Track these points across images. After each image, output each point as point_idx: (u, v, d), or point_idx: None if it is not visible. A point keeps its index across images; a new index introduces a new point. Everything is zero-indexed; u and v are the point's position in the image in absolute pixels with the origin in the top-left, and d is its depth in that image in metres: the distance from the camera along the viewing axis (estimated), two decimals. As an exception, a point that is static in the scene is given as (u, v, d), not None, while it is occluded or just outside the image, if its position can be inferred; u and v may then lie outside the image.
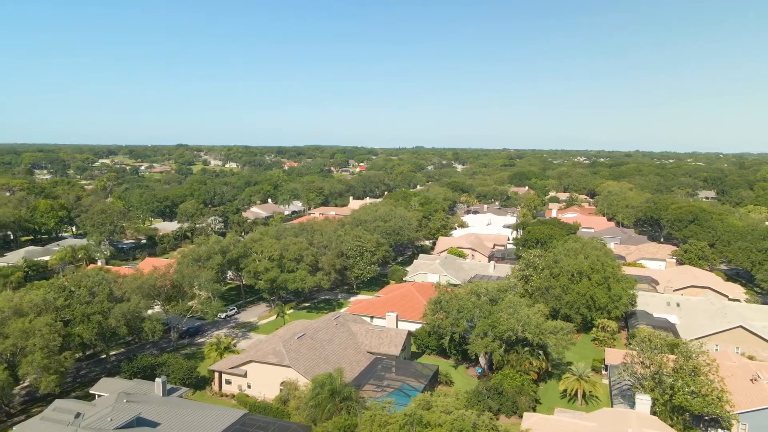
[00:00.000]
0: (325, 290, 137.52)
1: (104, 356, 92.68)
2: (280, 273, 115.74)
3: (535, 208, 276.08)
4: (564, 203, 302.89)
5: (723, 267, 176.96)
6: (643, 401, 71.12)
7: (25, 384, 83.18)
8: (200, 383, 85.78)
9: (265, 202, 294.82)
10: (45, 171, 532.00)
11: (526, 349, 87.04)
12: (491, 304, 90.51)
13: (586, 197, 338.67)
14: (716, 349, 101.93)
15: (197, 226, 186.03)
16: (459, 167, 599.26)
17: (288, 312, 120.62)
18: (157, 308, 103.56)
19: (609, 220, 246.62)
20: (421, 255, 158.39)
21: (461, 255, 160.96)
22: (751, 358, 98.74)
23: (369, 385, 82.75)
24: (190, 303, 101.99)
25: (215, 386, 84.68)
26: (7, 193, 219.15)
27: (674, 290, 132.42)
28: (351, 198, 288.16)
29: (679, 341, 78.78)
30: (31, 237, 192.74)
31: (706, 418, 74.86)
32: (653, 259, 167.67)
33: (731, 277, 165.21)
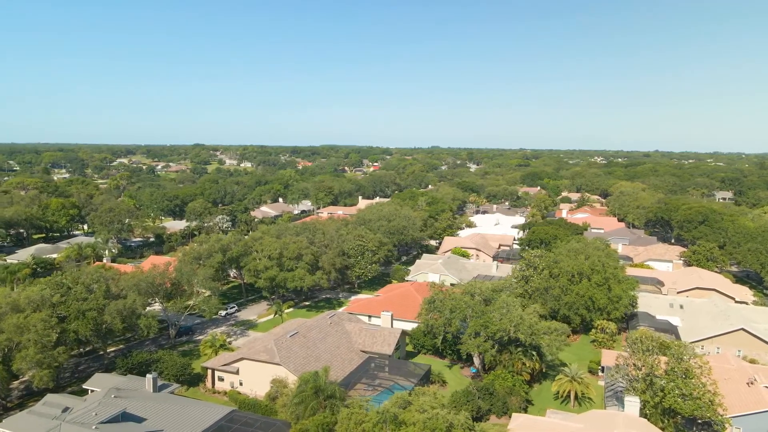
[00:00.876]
0: (326, 289, 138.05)
1: (102, 352, 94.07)
2: (279, 271, 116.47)
3: (545, 209, 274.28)
4: (575, 203, 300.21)
5: (734, 269, 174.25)
6: (632, 403, 70.29)
7: (24, 379, 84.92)
8: (194, 380, 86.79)
9: (275, 201, 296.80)
10: (63, 170, 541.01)
11: (519, 349, 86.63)
12: (485, 304, 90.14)
13: (598, 198, 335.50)
14: (717, 352, 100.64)
15: (205, 224, 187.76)
16: (473, 167, 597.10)
17: (288, 310, 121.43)
18: (157, 306, 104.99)
19: (620, 220, 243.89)
20: (424, 255, 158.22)
21: (465, 255, 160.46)
22: (753, 361, 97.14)
23: (360, 384, 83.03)
24: (188, 301, 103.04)
25: (208, 383, 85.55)
26: (22, 192, 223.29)
27: (678, 292, 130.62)
28: (360, 198, 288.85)
29: (671, 342, 77.70)
30: (44, 235, 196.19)
31: (699, 421, 73.85)
32: (661, 261, 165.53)
33: (741, 279, 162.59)
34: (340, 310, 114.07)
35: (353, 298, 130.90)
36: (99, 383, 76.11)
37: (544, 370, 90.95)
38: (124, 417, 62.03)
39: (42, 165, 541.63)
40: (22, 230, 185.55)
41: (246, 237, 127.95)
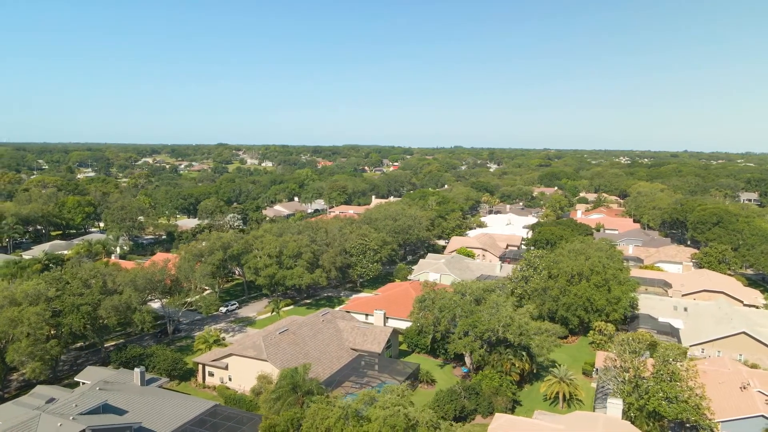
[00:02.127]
0: (328, 287, 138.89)
1: (100, 347, 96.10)
2: (279, 269, 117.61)
3: (560, 209, 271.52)
4: (592, 204, 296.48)
5: (749, 272, 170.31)
6: (615, 405, 69.64)
7: (23, 371, 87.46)
8: (186, 375, 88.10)
9: (291, 200, 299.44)
10: (89, 169, 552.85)
11: (509, 350, 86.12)
12: (475, 304, 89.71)
13: (617, 198, 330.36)
14: (718, 355, 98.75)
15: (216, 222, 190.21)
16: (493, 167, 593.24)
17: (288, 308, 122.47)
18: (157, 302, 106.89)
19: (636, 221, 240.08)
20: (429, 255, 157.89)
21: (470, 255, 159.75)
22: (754, 365, 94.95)
23: (348, 381, 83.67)
24: (187, 298, 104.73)
25: (199, 378, 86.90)
26: (43, 190, 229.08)
27: (684, 294, 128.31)
28: (374, 197, 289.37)
29: (660, 344, 76.49)
30: (61, 232, 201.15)
31: (687, 425, 72.66)
32: (671, 262, 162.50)
33: (755, 282, 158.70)
34: (338, 308, 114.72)
35: (354, 296, 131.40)
36: (90, 376, 78.14)
37: (535, 371, 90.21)
38: (105, 409, 63.49)
39: (68, 164, 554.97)
40: (40, 227, 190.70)
41: (247, 235, 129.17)
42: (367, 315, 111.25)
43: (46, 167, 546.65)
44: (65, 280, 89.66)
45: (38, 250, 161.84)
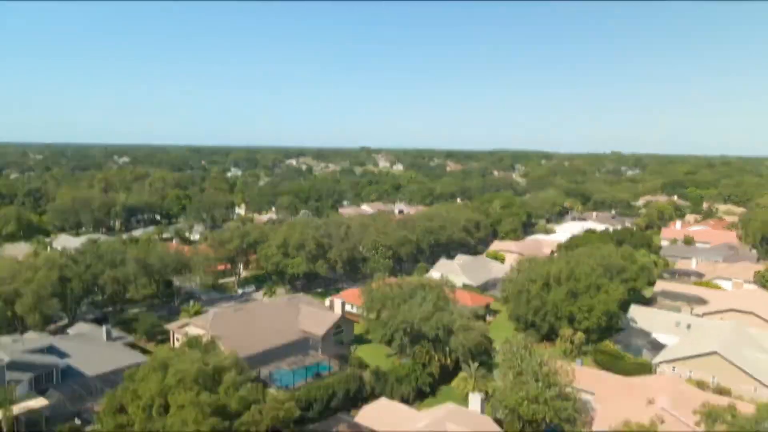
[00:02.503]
0: (343, 280, 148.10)
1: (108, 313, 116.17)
2: (282, 258, 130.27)
3: (661, 219, 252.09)
4: (701, 215, 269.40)
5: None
6: (475, 399, 71.79)
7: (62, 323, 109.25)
8: (166, 339, 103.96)
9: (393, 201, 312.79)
10: (238, 168, 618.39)
11: (429, 343, 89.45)
12: (410, 297, 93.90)
13: (744, 210, 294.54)
14: (690, 375, 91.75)
15: (287, 218, 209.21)
16: (630, 173, 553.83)
17: (296, 296, 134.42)
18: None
19: (739, 237, 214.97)
20: (458, 256, 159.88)
21: (498, 258, 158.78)
22: (725, 390, 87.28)
23: (291, 357, 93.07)
24: (194, 280, 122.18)
25: (171, 342, 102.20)
26: (159, 185, 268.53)
27: (704, 313, 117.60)
28: (459, 200, 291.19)
29: (535, 349, 75.17)
30: (167, 220, 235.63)
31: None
32: (730, 279, 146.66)
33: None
34: (328, 298, 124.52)
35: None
36: (76, 329, 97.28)
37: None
38: (50, 350, 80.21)
39: (225, 164, 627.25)
40: (148, 215, 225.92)
41: (265, 227, 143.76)
42: (352, 305, 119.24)
43: (207, 167, 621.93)
44: (87, 252, 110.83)
45: (136, 234, 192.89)
